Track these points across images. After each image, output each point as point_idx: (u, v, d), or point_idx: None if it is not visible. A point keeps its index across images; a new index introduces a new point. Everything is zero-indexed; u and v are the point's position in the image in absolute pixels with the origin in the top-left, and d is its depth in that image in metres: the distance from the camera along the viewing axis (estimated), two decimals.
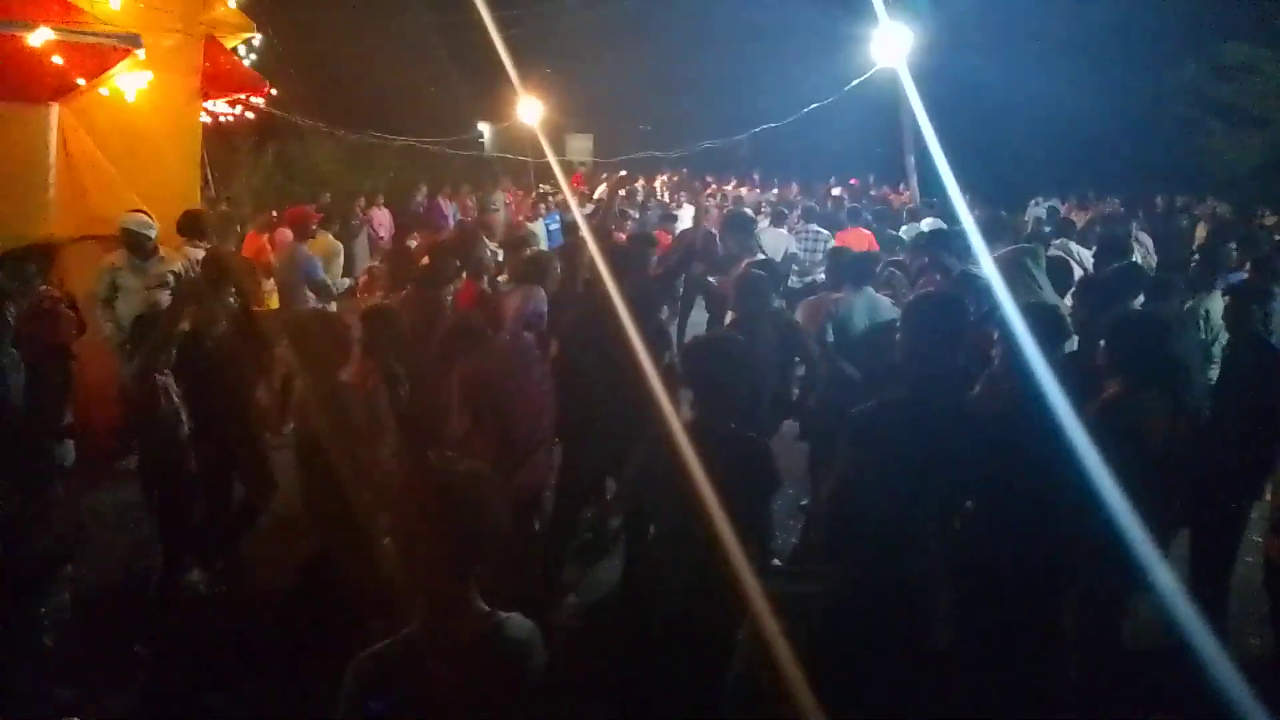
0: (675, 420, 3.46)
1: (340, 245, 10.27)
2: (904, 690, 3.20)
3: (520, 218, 13.81)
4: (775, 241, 10.24)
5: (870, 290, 6.24)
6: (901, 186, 16.69)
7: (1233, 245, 8.32)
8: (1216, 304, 6.20)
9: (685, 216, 13.00)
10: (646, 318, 5.01)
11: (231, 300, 5.62)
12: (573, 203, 12.15)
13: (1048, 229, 10.80)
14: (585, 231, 7.94)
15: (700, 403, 3.47)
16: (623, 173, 17.92)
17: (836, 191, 16.66)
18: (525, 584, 4.75)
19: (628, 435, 3.88)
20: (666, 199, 18.42)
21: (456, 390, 4.83)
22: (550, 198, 15.38)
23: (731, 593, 3.16)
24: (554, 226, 12.34)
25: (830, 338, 5.96)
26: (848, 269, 6.35)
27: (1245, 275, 7.12)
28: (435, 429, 4.81)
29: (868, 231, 10.83)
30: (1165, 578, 3.16)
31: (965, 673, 3.91)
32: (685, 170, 20.87)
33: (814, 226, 11.02)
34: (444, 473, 2.28)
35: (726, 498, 3.14)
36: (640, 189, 19.51)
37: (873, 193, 17.77)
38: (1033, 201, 14.95)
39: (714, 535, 3.07)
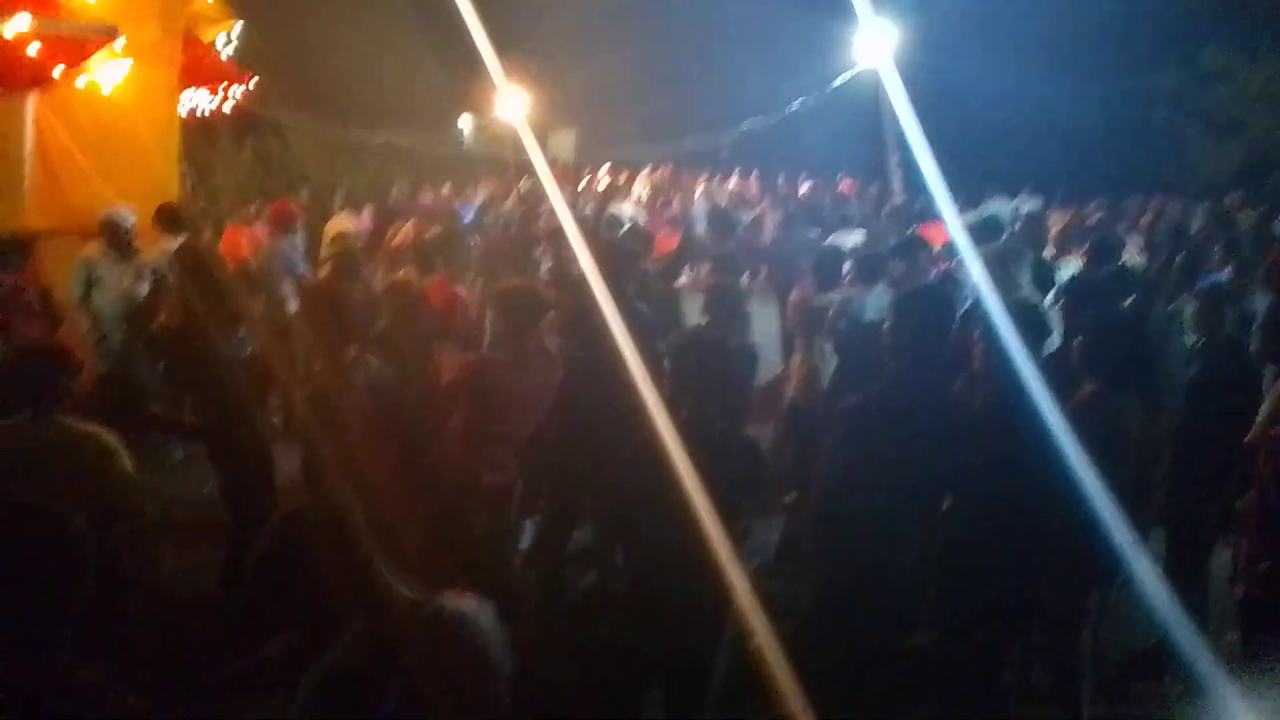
0: (666, 421, 3.44)
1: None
2: (888, 686, 3.20)
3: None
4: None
5: (882, 286, 6.22)
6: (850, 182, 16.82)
7: (1216, 248, 8.37)
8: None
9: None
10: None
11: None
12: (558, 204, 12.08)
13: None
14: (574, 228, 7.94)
15: (691, 403, 3.46)
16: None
17: (803, 190, 16.79)
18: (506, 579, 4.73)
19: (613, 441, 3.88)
20: (647, 197, 18.34)
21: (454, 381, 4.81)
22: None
23: (720, 591, 3.17)
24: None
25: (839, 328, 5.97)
26: (856, 267, 6.37)
27: (1225, 277, 7.18)
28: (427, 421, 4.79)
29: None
30: (1141, 570, 3.17)
31: (947, 668, 3.94)
32: (668, 168, 20.87)
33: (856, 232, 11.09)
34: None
35: (718, 498, 3.14)
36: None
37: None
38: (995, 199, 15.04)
39: (705, 536, 3.07)
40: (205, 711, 4.14)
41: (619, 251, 6.09)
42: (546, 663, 4.26)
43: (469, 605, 2.24)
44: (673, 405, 3.52)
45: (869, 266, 6.32)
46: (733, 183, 18.35)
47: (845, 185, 16.82)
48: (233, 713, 4.12)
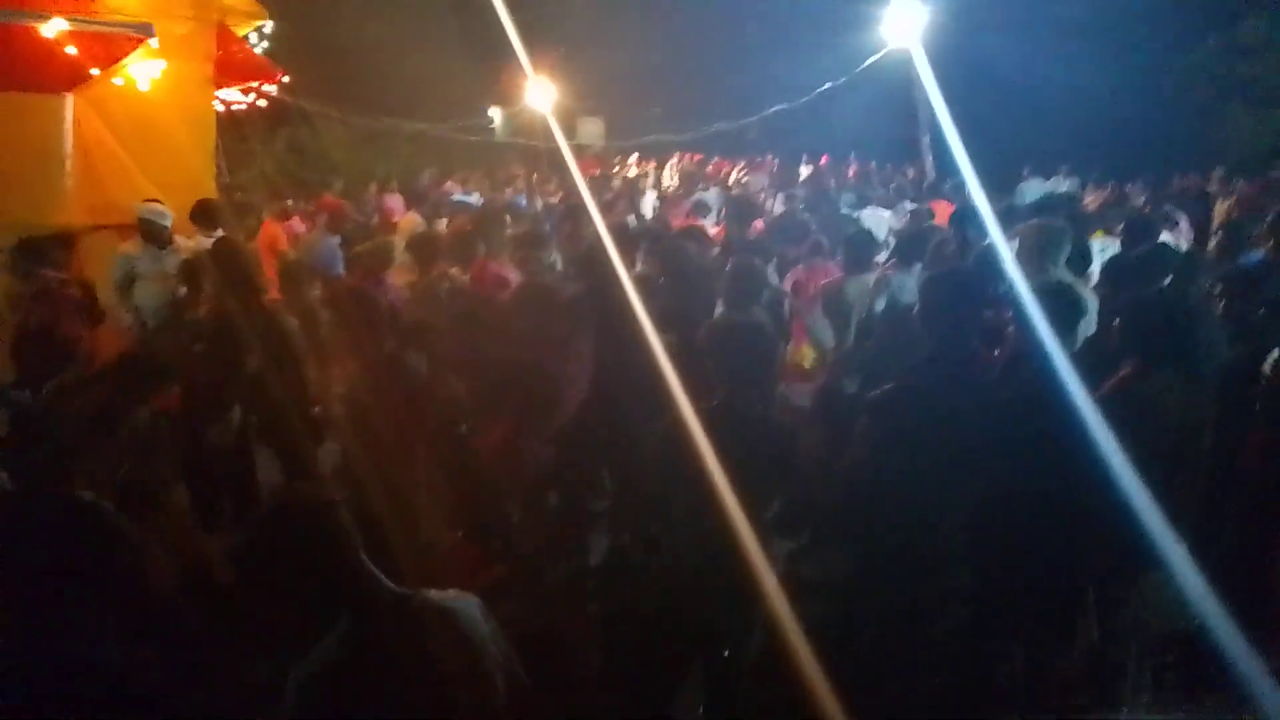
0: (696, 403, 3.46)
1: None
2: (918, 667, 3.20)
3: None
4: (877, 222, 10.17)
5: (920, 267, 6.16)
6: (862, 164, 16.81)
7: (1260, 224, 8.21)
8: None
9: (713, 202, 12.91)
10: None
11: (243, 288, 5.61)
12: (586, 192, 12.10)
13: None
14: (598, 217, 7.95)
15: (727, 385, 3.47)
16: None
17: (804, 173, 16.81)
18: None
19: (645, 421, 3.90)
20: (675, 184, 18.31)
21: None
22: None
23: (749, 572, 3.18)
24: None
25: (878, 310, 5.94)
26: (901, 246, 6.33)
27: (1263, 253, 7.05)
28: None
29: (945, 203, 10.84)
30: (1180, 559, 3.14)
31: (978, 652, 3.93)
32: (700, 156, 20.79)
33: (908, 204, 11.18)
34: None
35: (749, 479, 3.16)
36: (651, 173, 19.46)
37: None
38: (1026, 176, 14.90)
39: (734, 517, 3.09)
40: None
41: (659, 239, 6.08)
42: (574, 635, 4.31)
43: (456, 599, 2.22)
44: (709, 389, 3.53)
45: (909, 247, 6.25)
46: (746, 171, 18.34)
47: (852, 169, 16.76)
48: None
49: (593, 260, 5.69)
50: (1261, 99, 16.94)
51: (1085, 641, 4.04)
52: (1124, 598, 3.90)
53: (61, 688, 3.01)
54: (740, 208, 8.52)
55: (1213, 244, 8.50)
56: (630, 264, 5.51)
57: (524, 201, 13.25)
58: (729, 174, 18.03)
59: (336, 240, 8.69)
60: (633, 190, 13.83)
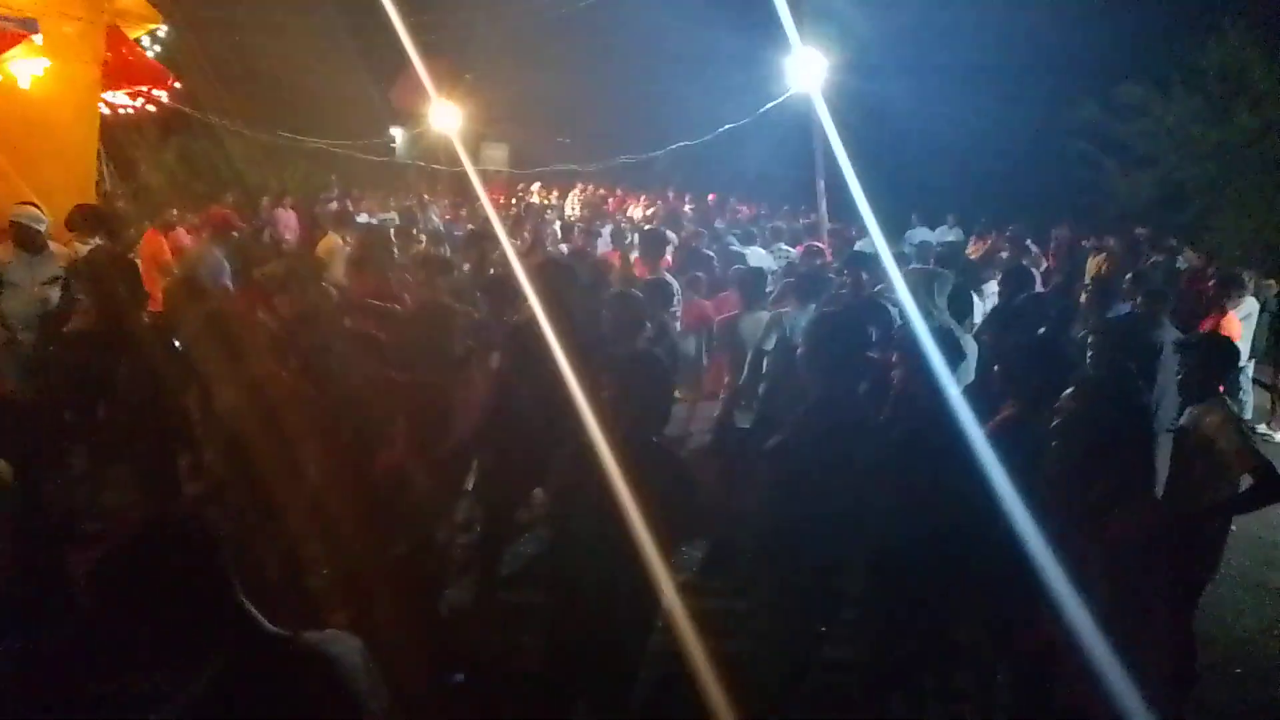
0: (600, 432, 3.44)
1: (342, 244, 9.88)
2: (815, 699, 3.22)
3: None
4: (758, 261, 10.34)
5: (813, 307, 6.29)
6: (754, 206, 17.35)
7: (1126, 278, 8.69)
8: None
9: (606, 235, 13.05)
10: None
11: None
12: (492, 213, 12.06)
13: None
14: (506, 244, 7.95)
15: (626, 415, 3.46)
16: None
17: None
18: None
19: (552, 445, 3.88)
20: (577, 213, 18.43)
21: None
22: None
23: (644, 595, 3.19)
24: None
25: (768, 348, 6.02)
26: (796, 285, 6.45)
27: (1132, 306, 7.45)
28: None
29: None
30: (1057, 579, 3.23)
31: (875, 683, 4.01)
32: (600, 188, 20.91)
33: (783, 245, 11.58)
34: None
35: (646, 508, 3.16)
36: (554, 202, 19.52)
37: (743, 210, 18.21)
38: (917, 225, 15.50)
39: (631, 542, 3.09)
40: None
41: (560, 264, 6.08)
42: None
43: (337, 643, 2.09)
44: (613, 416, 3.52)
45: (807, 285, 6.39)
46: (648, 204, 18.62)
47: (744, 210, 17.19)
48: None
49: (501, 284, 5.67)
50: (1133, 159, 17.94)
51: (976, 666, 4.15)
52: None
53: None
54: (650, 242, 8.58)
55: (1084, 296, 8.93)
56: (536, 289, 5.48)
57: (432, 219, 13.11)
58: (629, 207, 18.22)
59: (220, 253, 8.42)
60: (537, 217, 13.86)
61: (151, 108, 11.13)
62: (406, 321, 5.41)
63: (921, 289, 6.18)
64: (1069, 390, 2.81)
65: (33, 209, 6.80)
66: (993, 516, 3.04)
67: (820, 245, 10.31)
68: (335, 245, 9.30)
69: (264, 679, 1.95)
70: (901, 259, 8.89)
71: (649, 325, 5.92)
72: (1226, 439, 4.29)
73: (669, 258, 9.05)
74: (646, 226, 13.66)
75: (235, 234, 8.86)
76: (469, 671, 4.39)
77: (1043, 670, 2.99)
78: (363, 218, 14.18)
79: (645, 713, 3.81)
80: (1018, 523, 2.94)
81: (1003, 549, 2.96)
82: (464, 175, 12.19)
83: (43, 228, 6.81)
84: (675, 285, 7.31)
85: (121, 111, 10.55)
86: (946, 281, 6.61)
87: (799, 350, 4.05)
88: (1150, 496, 2.86)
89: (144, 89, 10.01)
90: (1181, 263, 13.95)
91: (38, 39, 7.23)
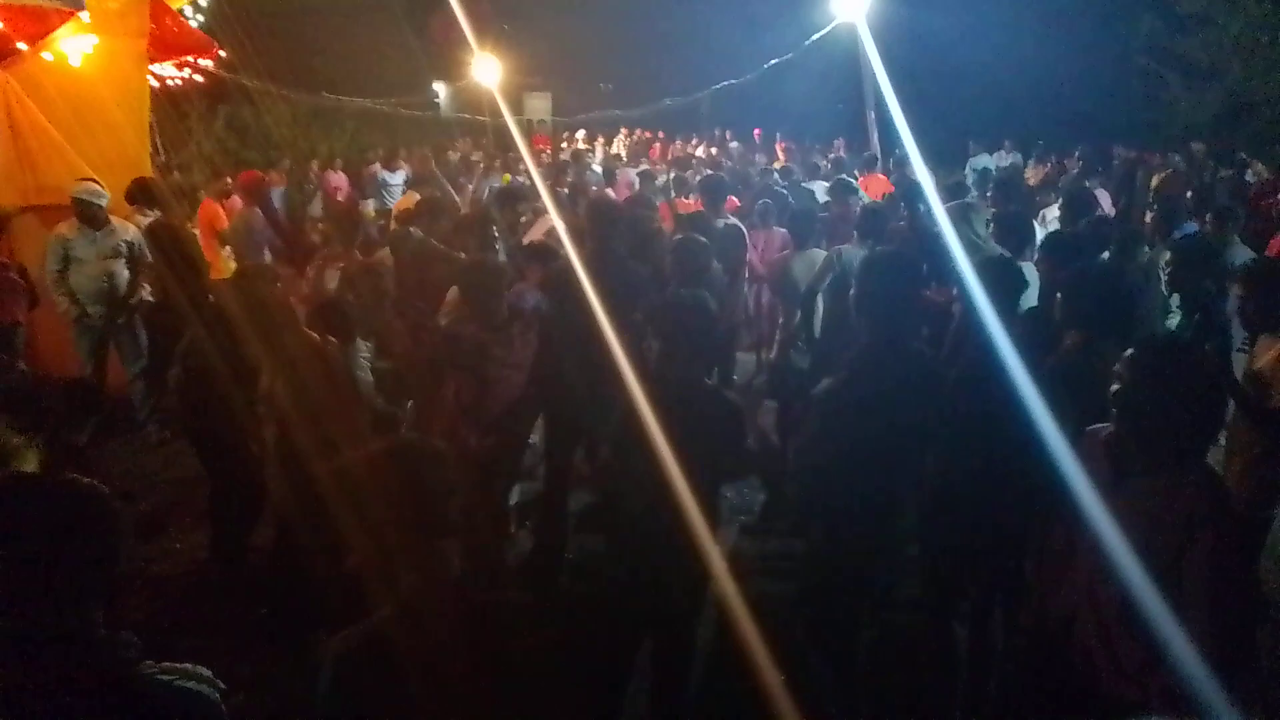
0: (649, 380, 3.45)
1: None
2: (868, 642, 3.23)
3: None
4: (825, 196, 10.19)
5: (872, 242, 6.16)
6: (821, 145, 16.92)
7: (1189, 195, 8.42)
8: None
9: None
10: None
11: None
12: (531, 166, 12.01)
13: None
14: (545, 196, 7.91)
15: (674, 359, 3.46)
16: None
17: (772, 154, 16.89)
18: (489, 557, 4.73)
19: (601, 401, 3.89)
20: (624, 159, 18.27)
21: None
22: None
23: (703, 557, 3.21)
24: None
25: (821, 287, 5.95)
26: (857, 222, 6.34)
27: (1200, 225, 7.22)
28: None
29: (882, 176, 10.96)
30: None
31: (929, 625, 4.01)
32: (645, 132, 20.67)
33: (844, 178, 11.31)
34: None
35: (700, 454, 3.18)
36: (599, 148, 19.35)
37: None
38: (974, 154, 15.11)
39: (689, 500, 3.11)
40: None
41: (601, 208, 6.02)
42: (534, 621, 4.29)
43: (189, 684, 1.77)
44: (659, 366, 3.53)
45: (865, 221, 6.25)
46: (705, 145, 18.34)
47: (780, 145, 16.83)
48: None
49: (546, 250, 5.68)
50: (1197, 73, 17.28)
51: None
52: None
53: None
54: (712, 187, 8.47)
55: (1149, 216, 8.67)
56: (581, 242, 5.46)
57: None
58: (675, 152, 17.98)
59: (258, 212, 8.53)
60: (579, 166, 13.77)
61: (198, 78, 11.23)
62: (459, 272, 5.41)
63: (961, 223, 6.05)
64: (1129, 355, 2.65)
65: (93, 185, 6.94)
66: (1050, 454, 2.98)
67: (851, 179, 10.07)
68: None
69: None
70: (959, 188, 8.69)
71: (716, 271, 5.88)
72: None
73: (736, 200, 8.95)
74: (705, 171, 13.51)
75: (269, 192, 8.98)
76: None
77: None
78: (398, 175, 14.25)
79: (703, 659, 3.86)
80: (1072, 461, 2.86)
81: (1055, 487, 2.90)
82: (506, 127, 12.14)
83: (103, 203, 6.96)
84: (744, 231, 7.24)
85: (170, 83, 10.66)
86: (978, 211, 6.47)
87: (851, 291, 3.99)
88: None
89: (190, 59, 10.10)
90: (1251, 177, 13.46)
91: (84, 16, 7.31)
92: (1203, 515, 2.48)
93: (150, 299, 7.14)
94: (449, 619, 2.15)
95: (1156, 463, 2.58)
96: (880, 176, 11.11)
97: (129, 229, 7.14)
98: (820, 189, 10.48)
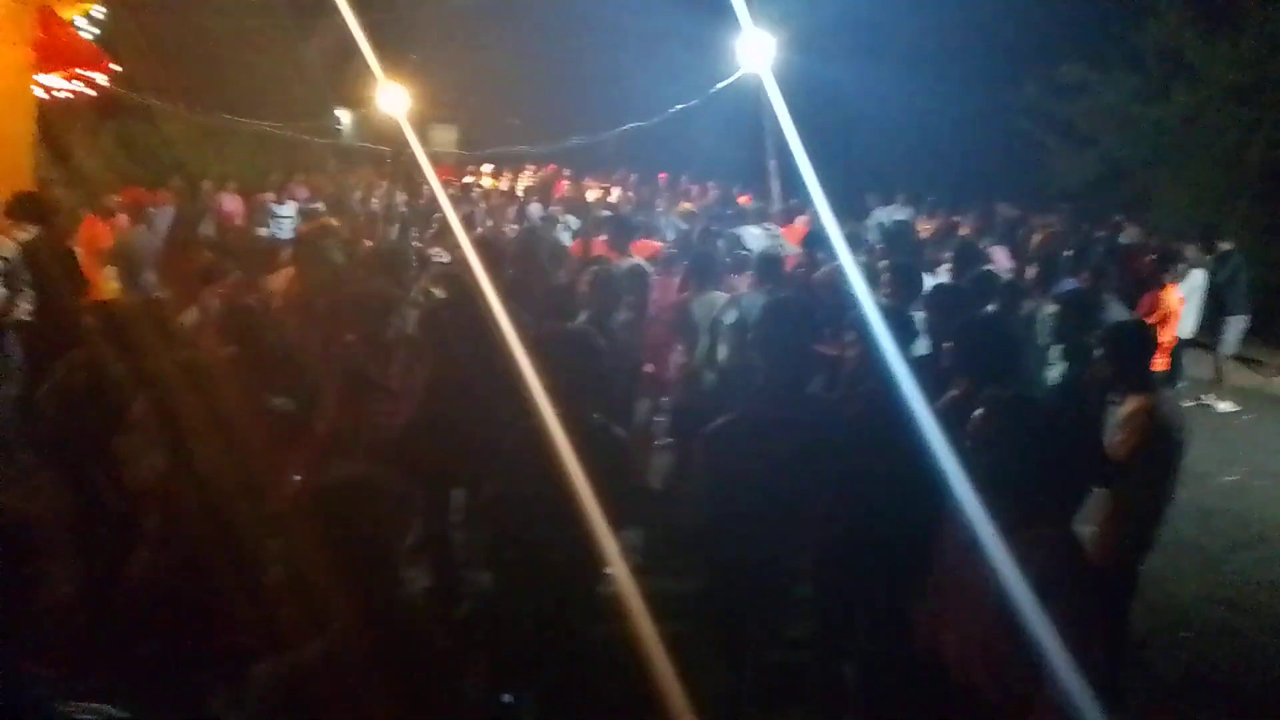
0: (543, 411, 3.43)
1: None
2: (763, 679, 3.25)
3: None
4: (755, 240, 10.33)
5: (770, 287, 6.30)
6: (736, 190, 17.28)
7: (1068, 253, 8.85)
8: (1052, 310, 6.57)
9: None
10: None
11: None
12: (441, 196, 11.92)
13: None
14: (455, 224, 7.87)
15: (562, 394, 3.46)
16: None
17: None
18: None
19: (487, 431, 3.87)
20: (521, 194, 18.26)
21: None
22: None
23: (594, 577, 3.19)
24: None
25: (724, 326, 6.05)
26: (756, 266, 6.49)
27: (1077, 283, 7.60)
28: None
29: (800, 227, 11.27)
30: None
31: (824, 658, 4.06)
32: (554, 168, 20.75)
33: (770, 226, 11.67)
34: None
35: (586, 483, 3.17)
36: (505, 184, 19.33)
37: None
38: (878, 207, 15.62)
39: (574, 518, 3.10)
40: None
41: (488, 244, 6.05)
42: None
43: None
44: (551, 397, 3.52)
45: (764, 266, 6.43)
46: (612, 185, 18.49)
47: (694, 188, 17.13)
48: None
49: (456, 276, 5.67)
50: (1074, 138, 18.24)
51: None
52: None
53: None
54: (618, 226, 8.56)
55: (1030, 272, 9.08)
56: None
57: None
58: (580, 191, 18.05)
59: (143, 230, 8.30)
60: (469, 203, 13.75)
61: (90, 91, 10.81)
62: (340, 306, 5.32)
63: (866, 271, 6.28)
64: (978, 414, 2.72)
65: None
66: (939, 498, 3.07)
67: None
68: None
69: None
70: (855, 239, 8.97)
71: (625, 306, 5.93)
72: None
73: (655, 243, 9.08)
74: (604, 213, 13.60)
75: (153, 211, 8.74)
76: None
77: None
78: (288, 207, 14.01)
79: (594, 695, 3.83)
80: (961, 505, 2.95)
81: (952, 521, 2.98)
82: (414, 157, 12.02)
83: None
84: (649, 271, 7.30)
85: (56, 95, 10.24)
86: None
87: (749, 335, 4.07)
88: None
89: (79, 71, 9.73)
90: (1124, 238, 14.25)
91: None
92: (1054, 579, 2.51)
93: (27, 318, 6.80)
94: (379, 660, 2.07)
95: (1015, 519, 2.64)
96: (798, 227, 11.38)
97: (6, 244, 6.79)
98: (749, 235, 10.68)
